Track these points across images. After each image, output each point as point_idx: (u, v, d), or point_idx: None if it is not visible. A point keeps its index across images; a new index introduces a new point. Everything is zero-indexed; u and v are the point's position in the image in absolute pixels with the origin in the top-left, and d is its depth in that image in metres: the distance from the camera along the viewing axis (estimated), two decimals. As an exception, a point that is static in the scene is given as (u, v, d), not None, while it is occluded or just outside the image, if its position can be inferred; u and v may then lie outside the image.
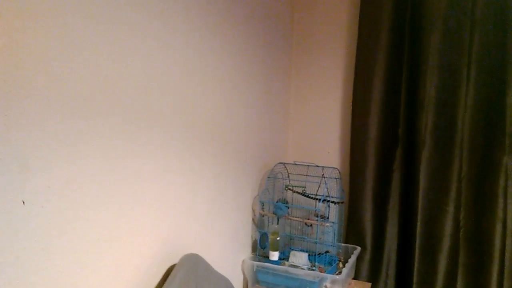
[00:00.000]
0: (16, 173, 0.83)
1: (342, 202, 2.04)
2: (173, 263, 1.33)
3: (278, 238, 1.87)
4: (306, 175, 2.01)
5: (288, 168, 2.09)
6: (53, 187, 0.91)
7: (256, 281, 1.86)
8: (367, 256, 2.14)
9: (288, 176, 2.09)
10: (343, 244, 2.11)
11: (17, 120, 0.83)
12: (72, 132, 0.96)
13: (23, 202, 0.85)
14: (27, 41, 0.84)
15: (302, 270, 1.79)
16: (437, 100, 1.94)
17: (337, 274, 1.79)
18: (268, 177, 2.01)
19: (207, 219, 1.58)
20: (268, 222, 1.99)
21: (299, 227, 2.01)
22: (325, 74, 2.30)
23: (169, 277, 1.22)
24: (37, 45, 0.86)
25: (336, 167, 2.02)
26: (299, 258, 1.86)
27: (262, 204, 1.96)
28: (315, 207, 1.92)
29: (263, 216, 1.97)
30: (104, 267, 1.08)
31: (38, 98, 0.87)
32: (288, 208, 1.95)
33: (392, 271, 2.12)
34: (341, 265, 1.95)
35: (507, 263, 1.85)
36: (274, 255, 1.86)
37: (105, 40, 1.04)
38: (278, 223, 1.94)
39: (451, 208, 1.94)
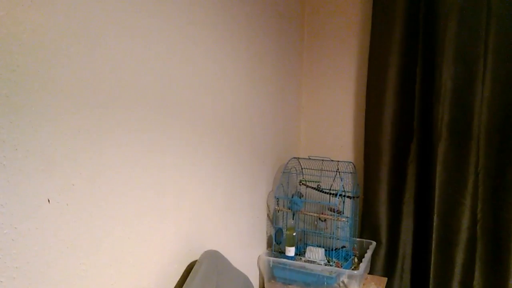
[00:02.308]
0: (41, 171, 0.82)
1: (357, 197, 2.02)
2: (193, 260, 1.32)
3: (294, 234, 1.85)
4: (321, 170, 1.99)
5: (302, 163, 2.07)
6: (77, 185, 0.90)
7: (272, 276, 1.85)
8: (383, 251, 2.12)
9: (302, 171, 2.07)
10: (358, 239, 2.09)
11: (42, 117, 0.81)
12: (96, 129, 0.95)
13: (48, 201, 0.84)
14: (50, 36, 0.82)
15: (319, 265, 1.78)
16: (453, 91, 1.91)
17: (354, 269, 1.78)
18: (283, 172, 1.99)
19: (223, 216, 1.56)
20: (283, 218, 1.97)
21: (315, 222, 1.99)
22: (338, 66, 2.27)
23: (192, 273, 1.21)
24: (60, 41, 0.85)
25: (351, 161, 2.00)
26: (316, 253, 1.85)
27: (277, 199, 1.94)
28: (330, 202, 1.90)
29: (278, 211, 1.96)
30: (128, 265, 1.07)
31: (62, 94, 0.86)
32: (303, 203, 1.93)
33: (407, 266, 2.10)
34: (356, 260, 1.94)
35: (525, 256, 1.82)
36: (291, 251, 1.84)
37: (123, 34, 1.03)
38: (293, 218, 1.93)
39: (468, 201, 1.91)
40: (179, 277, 1.28)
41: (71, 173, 0.89)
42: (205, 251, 1.32)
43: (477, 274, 1.93)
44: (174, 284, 1.26)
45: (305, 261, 1.83)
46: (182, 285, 1.20)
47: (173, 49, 1.21)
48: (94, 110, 0.94)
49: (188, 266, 1.31)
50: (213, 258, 1.32)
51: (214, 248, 1.40)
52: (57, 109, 0.85)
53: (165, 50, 1.18)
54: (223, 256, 1.39)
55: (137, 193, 1.09)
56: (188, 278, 1.20)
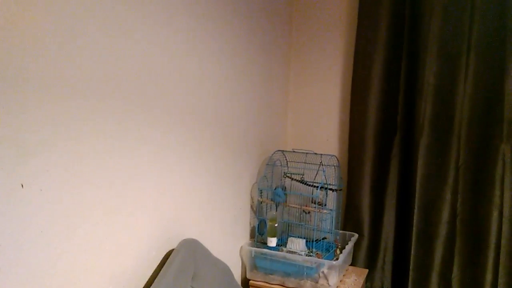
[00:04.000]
0: (15, 157, 0.84)
1: (340, 190, 2.05)
2: (172, 248, 1.35)
3: (276, 225, 1.89)
4: (305, 163, 2.02)
5: (286, 156, 2.10)
6: (51, 171, 0.92)
7: (254, 266, 1.88)
8: (365, 243, 2.16)
9: (287, 164, 2.10)
10: (340, 231, 2.12)
11: (15, 104, 0.83)
12: (70, 116, 0.97)
13: (22, 186, 0.86)
14: (25, 25, 0.84)
15: (299, 256, 1.81)
16: (436, 87, 1.94)
17: (334, 261, 1.81)
18: (267, 164, 2.02)
19: (206, 206, 1.59)
20: (266, 209, 2.00)
21: (297, 214, 2.02)
22: (325, 61, 2.29)
23: (168, 261, 1.24)
24: (35, 30, 0.87)
25: (334, 154, 2.03)
26: (297, 244, 1.88)
27: (261, 191, 1.97)
28: (313, 194, 1.93)
29: (261, 203, 1.99)
30: (104, 251, 1.10)
31: (36, 81, 0.88)
32: (286, 195, 1.96)
33: (389, 258, 2.14)
34: (338, 251, 1.97)
35: (503, 250, 1.86)
36: (272, 241, 1.88)
37: (100, 23, 1.05)
38: (276, 210, 1.96)
39: (448, 195, 1.95)
40: (157, 265, 1.30)
41: (45, 159, 0.91)
42: (183, 240, 1.35)
43: (456, 266, 1.97)
44: (152, 271, 1.28)
45: (286, 252, 1.86)
46: (160, 272, 1.23)
47: (153, 39, 1.23)
48: (72, 99, 0.96)
49: (167, 254, 1.34)
50: (191, 247, 1.35)
51: (196, 238, 1.42)
52: (31, 97, 0.87)
53: (144, 41, 1.20)
54: (202, 244, 1.42)
55: (114, 181, 1.11)
56: (164, 266, 1.23)
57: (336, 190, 1.98)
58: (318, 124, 2.34)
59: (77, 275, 1.02)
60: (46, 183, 0.92)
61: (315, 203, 1.90)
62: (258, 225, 1.94)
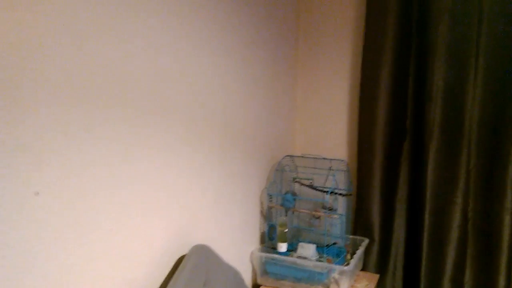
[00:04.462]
0: (29, 165, 0.86)
1: (350, 194, 2.04)
2: (183, 254, 1.35)
3: (286, 230, 1.89)
4: (314, 168, 2.02)
5: (295, 161, 2.10)
6: (65, 179, 0.94)
7: (265, 272, 1.88)
8: (375, 248, 2.15)
9: (296, 169, 2.10)
10: (351, 236, 2.11)
11: (28, 112, 0.85)
12: (84, 123, 0.98)
13: (36, 193, 0.88)
14: (38, 35, 0.86)
15: (310, 261, 1.81)
16: (445, 91, 1.93)
17: (345, 266, 1.81)
18: (276, 169, 2.02)
19: (216, 211, 1.60)
20: (276, 214, 2.00)
21: (307, 219, 2.02)
22: (332, 66, 2.29)
23: (179, 267, 1.24)
24: (47, 39, 0.88)
25: (343, 159, 2.03)
26: (307, 249, 1.88)
27: (270, 196, 1.97)
28: (322, 199, 1.93)
29: (271, 208, 1.99)
30: (116, 257, 1.11)
31: (49, 90, 0.89)
32: (296, 200, 1.96)
33: (400, 263, 2.13)
34: (349, 256, 1.96)
35: (515, 254, 1.85)
36: (282, 247, 1.87)
37: (111, 31, 1.06)
38: (286, 215, 1.96)
39: (459, 200, 1.93)
40: (169, 271, 1.31)
41: (59, 167, 0.92)
42: (194, 246, 1.35)
43: (468, 271, 1.95)
44: (164, 277, 1.29)
45: (297, 257, 1.86)
46: (171, 278, 1.23)
47: (161, 46, 1.24)
48: (82, 106, 0.98)
49: (178, 260, 1.35)
50: (203, 253, 1.36)
51: (206, 243, 1.43)
52: (44, 104, 0.88)
53: (153, 47, 1.21)
54: (213, 250, 1.42)
55: (125, 188, 1.12)
56: (176, 272, 1.24)
57: (345, 195, 1.98)
58: (327, 129, 2.34)
59: (90, 281, 1.03)
60: (60, 190, 0.93)
61: (325, 208, 1.90)
62: (268, 230, 1.94)
